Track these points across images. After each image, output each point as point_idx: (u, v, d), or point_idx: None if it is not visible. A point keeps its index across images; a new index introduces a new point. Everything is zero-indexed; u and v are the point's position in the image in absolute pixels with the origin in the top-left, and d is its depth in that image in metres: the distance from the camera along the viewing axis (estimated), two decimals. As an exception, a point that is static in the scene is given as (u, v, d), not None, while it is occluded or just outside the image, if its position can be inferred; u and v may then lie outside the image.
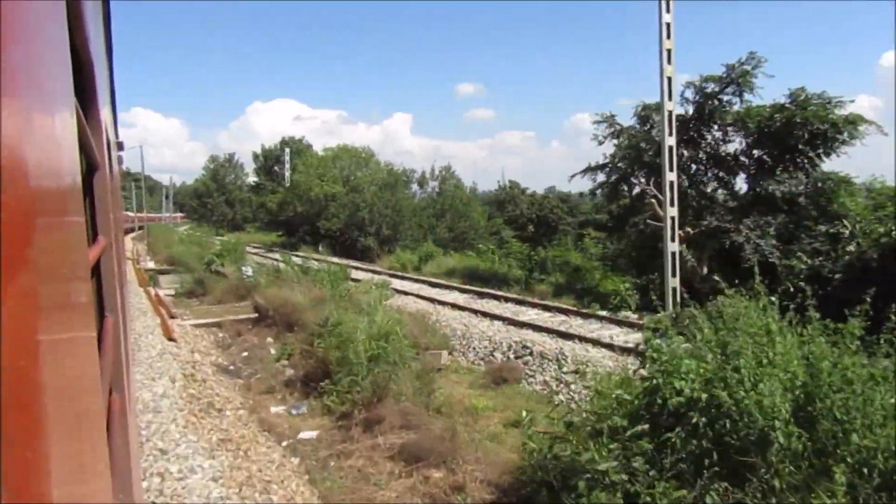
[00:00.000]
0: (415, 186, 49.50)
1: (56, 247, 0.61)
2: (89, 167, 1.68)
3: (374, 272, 26.19)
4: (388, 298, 17.47)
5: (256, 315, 17.10)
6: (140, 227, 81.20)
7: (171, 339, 13.59)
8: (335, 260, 25.76)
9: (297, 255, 40.83)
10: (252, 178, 62.88)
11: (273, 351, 14.10)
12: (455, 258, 27.81)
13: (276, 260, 33.67)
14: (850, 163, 19.26)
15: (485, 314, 15.56)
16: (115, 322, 1.89)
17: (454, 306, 16.93)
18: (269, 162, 58.24)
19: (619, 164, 19.54)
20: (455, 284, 21.67)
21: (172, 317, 16.87)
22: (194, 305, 21.73)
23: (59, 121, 0.66)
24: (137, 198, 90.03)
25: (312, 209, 42.53)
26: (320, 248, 42.72)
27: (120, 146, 5.26)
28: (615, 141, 19.98)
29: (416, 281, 23.39)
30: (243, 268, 25.38)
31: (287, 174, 52.41)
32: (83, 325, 0.79)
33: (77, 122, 0.98)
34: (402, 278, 24.12)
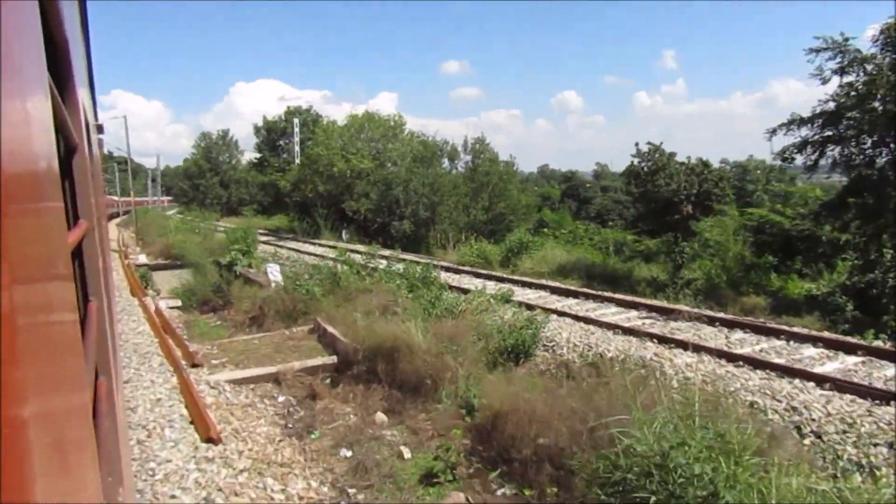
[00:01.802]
0: (445, 161, 42.67)
1: (32, 232, 0.59)
2: (67, 149, 1.62)
3: (447, 269, 19.39)
4: (542, 326, 10.83)
5: (334, 358, 10.36)
6: (126, 212, 73.77)
7: (210, 439, 6.84)
8: (412, 257, 19.02)
9: (320, 244, 33.98)
10: (252, 155, 55.43)
11: (407, 453, 7.39)
12: (559, 249, 21.12)
13: (307, 254, 26.76)
14: None
15: (741, 359, 8.94)
16: (100, 306, 1.85)
17: (662, 340, 10.26)
18: (273, 135, 50.73)
19: (860, 114, 12.82)
20: (590, 291, 15.02)
21: (196, 364, 10.11)
22: (215, 328, 14.92)
23: (31, 102, 0.65)
24: (122, 180, 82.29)
25: (336, 188, 35.49)
26: (345, 235, 35.96)
27: (100, 129, 4.66)
28: (847, 79, 13.30)
29: (521, 283, 16.73)
30: (268, 268, 18.54)
31: (296, 148, 45.20)
32: (64, 311, 0.77)
33: (53, 104, 0.97)
34: (499, 280, 17.43)
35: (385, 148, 37.23)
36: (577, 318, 11.99)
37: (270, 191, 55.76)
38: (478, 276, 18.60)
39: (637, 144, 16.77)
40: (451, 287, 15.60)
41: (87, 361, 1.19)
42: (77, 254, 1.65)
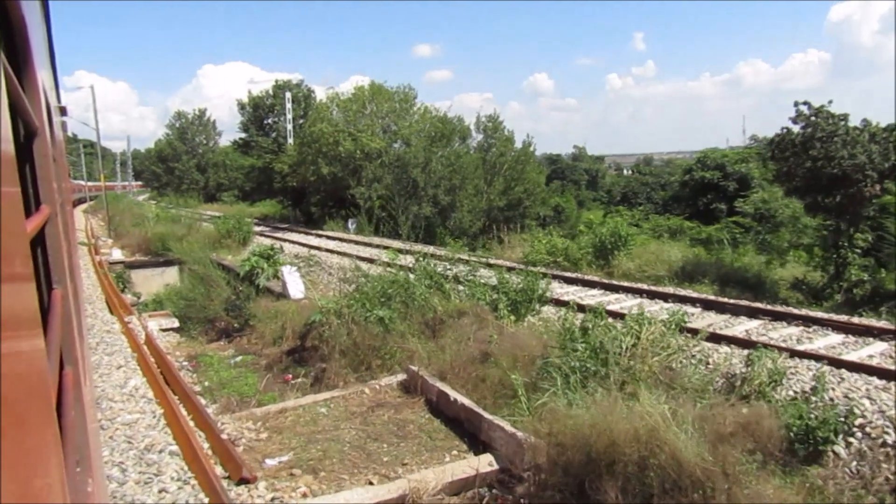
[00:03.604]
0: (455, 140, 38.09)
1: None
2: (27, 133, 1.55)
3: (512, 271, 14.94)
4: (822, 390, 6.57)
5: (492, 461, 5.90)
6: (93, 198, 67.46)
7: None
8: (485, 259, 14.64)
9: (327, 237, 29.19)
10: (237, 135, 49.61)
11: None
12: (670, 244, 16.68)
13: (316, 248, 21.87)
14: None
15: None
16: (65, 293, 1.78)
17: None
18: (260, 112, 45.20)
19: None
20: (766, 307, 10.78)
21: (244, 479, 5.58)
22: (239, 373, 10.31)
23: None
24: (87, 163, 75.81)
25: (342, 171, 30.60)
26: (351, 225, 31.23)
27: (63, 111, 4.67)
28: None
29: (639, 292, 12.48)
30: (284, 273, 13.93)
31: (288, 127, 40.04)
32: (21, 299, 0.75)
33: (9, 86, 0.95)
34: (606, 287, 13.12)
35: (397, 125, 32.40)
36: (830, 361, 7.67)
37: (256, 175, 50.46)
38: (568, 281, 14.28)
39: (796, 104, 12.54)
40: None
41: (51, 350, 1.16)
42: (40, 240, 1.61)
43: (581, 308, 10.16)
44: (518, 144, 38.25)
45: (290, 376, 9.50)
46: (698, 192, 35.90)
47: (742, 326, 9.94)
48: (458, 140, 36.61)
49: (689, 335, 8.68)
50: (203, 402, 8.46)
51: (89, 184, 67.46)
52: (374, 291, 9.65)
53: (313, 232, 30.92)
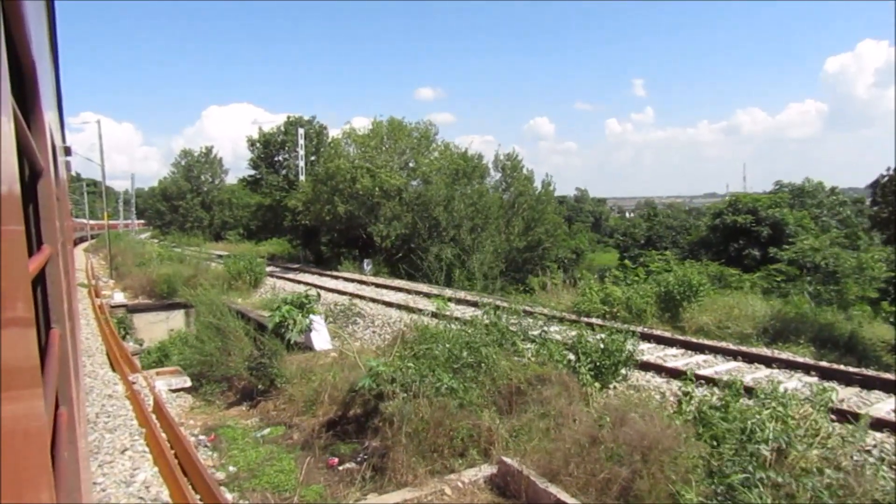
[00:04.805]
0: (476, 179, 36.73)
1: None
2: (32, 174, 1.56)
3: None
4: None
5: None
6: (94, 236, 66.00)
7: None
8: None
9: (343, 278, 27.50)
10: (246, 172, 48.08)
11: None
12: (750, 296, 15.04)
13: (337, 292, 20.08)
14: None
15: None
16: (63, 333, 1.76)
17: None
18: (271, 149, 43.79)
19: None
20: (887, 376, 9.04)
21: None
22: (270, 452, 8.42)
23: None
24: (90, 202, 74.76)
25: (358, 209, 29.05)
26: (367, 266, 29.57)
27: (67, 151, 4.81)
28: None
29: (728, 354, 10.71)
30: (313, 323, 12.20)
31: (300, 163, 38.72)
32: (23, 340, 0.75)
33: (17, 127, 0.96)
34: (685, 346, 11.37)
35: (417, 162, 31.01)
36: None
37: (263, 213, 48.97)
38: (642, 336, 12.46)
39: None
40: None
41: (47, 391, 1.14)
42: (41, 280, 1.60)
43: (692, 377, 8.34)
44: (537, 184, 37.04)
45: (336, 460, 7.64)
46: (729, 237, 34.32)
47: (885, 405, 8.13)
48: (478, 179, 35.27)
49: (836, 417, 6.95)
50: (230, 497, 6.63)
51: (91, 222, 66.10)
52: (443, 354, 7.88)
53: (327, 273, 29.20)
